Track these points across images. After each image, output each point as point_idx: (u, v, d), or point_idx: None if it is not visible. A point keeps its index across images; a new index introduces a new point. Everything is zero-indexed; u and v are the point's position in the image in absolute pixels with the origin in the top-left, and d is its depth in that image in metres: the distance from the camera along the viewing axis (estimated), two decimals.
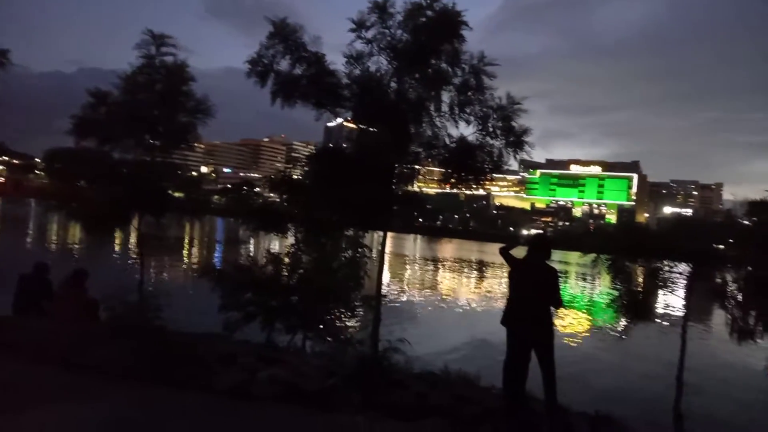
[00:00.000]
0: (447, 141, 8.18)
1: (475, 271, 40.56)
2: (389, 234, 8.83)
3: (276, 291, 9.52)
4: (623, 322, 8.05)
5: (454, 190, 9.21)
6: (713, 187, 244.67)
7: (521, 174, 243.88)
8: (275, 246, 11.36)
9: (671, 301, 9.65)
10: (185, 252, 33.93)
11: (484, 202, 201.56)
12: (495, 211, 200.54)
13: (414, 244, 72.55)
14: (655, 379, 9.70)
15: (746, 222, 7.86)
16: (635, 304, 7.20)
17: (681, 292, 7.74)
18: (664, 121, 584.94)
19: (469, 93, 7.59)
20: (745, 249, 7.00)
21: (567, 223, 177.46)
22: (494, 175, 8.80)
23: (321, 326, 9.65)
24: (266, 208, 9.39)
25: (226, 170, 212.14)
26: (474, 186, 8.64)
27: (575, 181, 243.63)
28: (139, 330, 6.13)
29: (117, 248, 26.72)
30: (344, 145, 9.10)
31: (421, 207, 9.10)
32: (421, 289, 26.36)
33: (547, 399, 5.56)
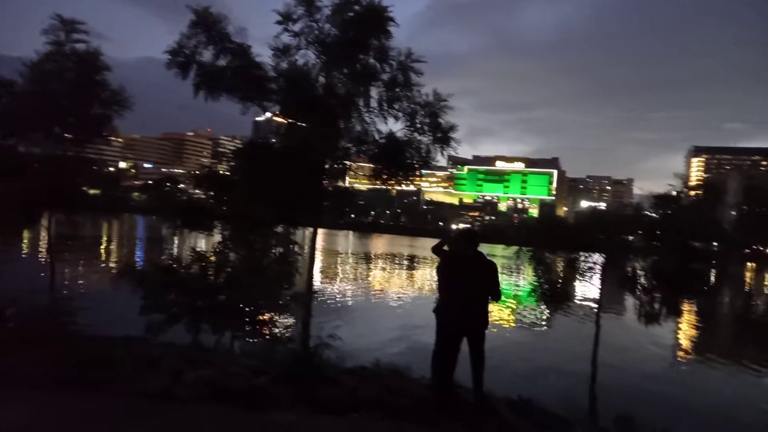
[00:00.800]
0: (376, 137, 8.23)
1: (406, 265, 41.16)
2: (321, 230, 8.77)
3: (202, 291, 9.21)
4: (545, 309, 8.49)
5: (385, 186, 9.28)
6: (624, 182, 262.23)
7: (450, 170, 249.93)
8: (202, 244, 10.97)
9: (589, 288, 10.24)
10: (102, 252, 32.02)
11: (415, 198, 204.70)
12: (425, 207, 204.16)
13: (346, 240, 72.54)
14: (574, 361, 10.26)
15: (653, 214, 8.49)
16: (555, 292, 7.63)
17: (596, 281, 8.27)
18: (578, 118, 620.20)
19: (397, 89, 7.67)
20: (650, 239, 7.58)
21: (493, 218, 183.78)
22: (424, 170, 8.94)
23: (250, 325, 9.44)
24: (190, 205, 9.04)
25: (146, 166, 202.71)
26: (404, 181, 8.74)
27: (501, 177, 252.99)
28: (50, 334, 5.74)
29: (26, 249, 24.78)
30: (273, 140, 8.92)
31: (351, 203, 9.11)
32: (353, 284, 26.41)
33: (476, 387, 5.74)
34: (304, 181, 7.07)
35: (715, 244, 8.50)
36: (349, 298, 21.10)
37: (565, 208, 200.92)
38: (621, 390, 9.95)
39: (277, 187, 6.97)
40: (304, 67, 7.54)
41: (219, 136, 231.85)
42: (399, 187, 9.29)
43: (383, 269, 36.63)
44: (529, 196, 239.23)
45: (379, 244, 75.10)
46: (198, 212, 9.00)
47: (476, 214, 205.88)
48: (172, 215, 9.10)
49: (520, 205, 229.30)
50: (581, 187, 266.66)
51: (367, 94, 7.68)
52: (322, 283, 25.04)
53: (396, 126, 7.98)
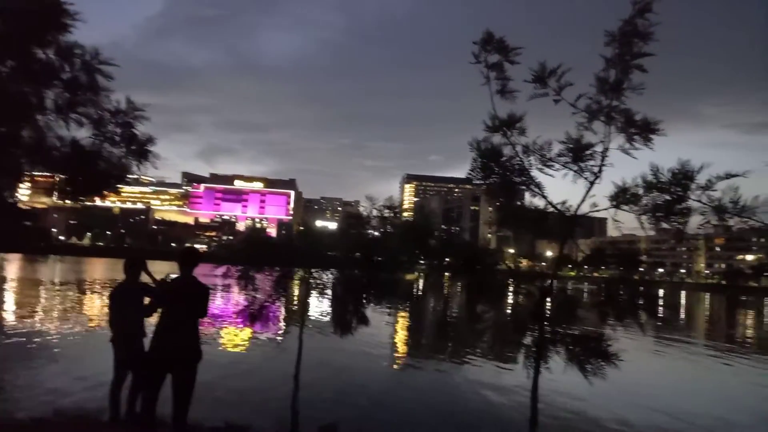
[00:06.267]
0: (57, 144, 7.10)
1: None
2: (19, 256, 7.06)
3: None
4: (251, 329, 8.45)
5: (73, 202, 8.08)
6: (353, 203, 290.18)
7: (185, 187, 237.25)
8: None
9: (301, 304, 10.62)
10: None
11: (143, 217, 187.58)
12: (155, 227, 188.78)
13: (53, 268, 61.79)
14: (281, 379, 10.34)
15: (375, 232, 9.26)
16: (260, 311, 7.67)
17: (300, 294, 8.62)
18: (312, 143, 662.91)
19: (79, 92, 6.75)
20: (348, 253, 8.28)
21: (231, 237, 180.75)
22: (123, 185, 8.11)
23: None
24: None
25: None
26: (96, 197, 7.78)
27: (239, 196, 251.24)
28: None
29: None
30: None
31: (22, 221, 7.60)
32: (45, 318, 22.24)
33: (179, 417, 5.37)
34: None
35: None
36: (34, 337, 17.57)
37: (301, 228, 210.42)
38: (324, 400, 10.52)
39: None
40: None
41: None
42: (90, 203, 8.15)
43: (88, 298, 31.97)
44: (268, 216, 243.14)
45: (96, 269, 66.02)
46: None
47: (213, 234, 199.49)
48: None
49: (259, 225, 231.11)
50: (316, 207, 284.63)
51: (40, 94, 6.53)
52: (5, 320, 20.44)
53: (81, 133, 7.01)
